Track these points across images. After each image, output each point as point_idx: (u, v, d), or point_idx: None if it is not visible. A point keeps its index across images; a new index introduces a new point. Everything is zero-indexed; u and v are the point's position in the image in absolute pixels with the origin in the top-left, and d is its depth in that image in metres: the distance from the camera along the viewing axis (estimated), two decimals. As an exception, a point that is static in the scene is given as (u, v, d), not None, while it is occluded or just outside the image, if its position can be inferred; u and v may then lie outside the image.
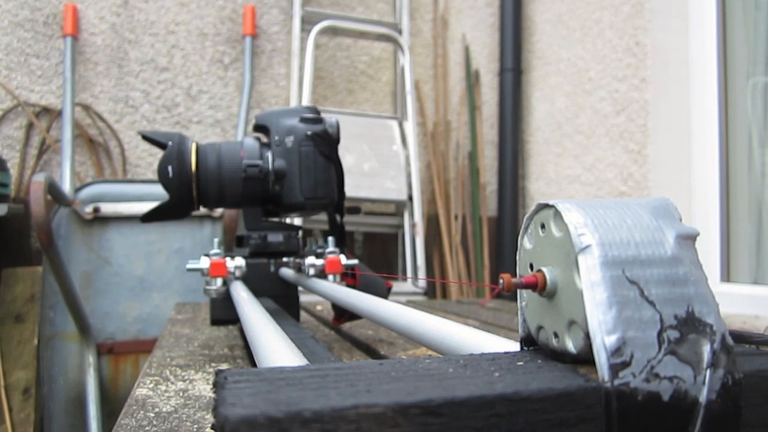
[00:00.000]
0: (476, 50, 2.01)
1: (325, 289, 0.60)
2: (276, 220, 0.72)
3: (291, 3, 1.83)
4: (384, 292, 0.69)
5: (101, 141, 1.69)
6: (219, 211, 1.43)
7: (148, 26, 1.74)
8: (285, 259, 0.72)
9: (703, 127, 1.33)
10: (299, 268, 0.71)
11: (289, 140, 0.65)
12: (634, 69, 1.46)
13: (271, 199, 0.66)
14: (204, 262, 0.62)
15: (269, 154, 0.65)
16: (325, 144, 0.66)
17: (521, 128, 1.93)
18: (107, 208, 1.39)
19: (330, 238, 0.68)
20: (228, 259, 0.63)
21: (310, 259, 0.66)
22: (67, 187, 1.46)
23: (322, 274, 0.66)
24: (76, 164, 1.63)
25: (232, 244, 1.32)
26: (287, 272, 0.75)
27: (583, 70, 1.64)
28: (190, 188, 0.63)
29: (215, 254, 0.63)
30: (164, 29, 1.76)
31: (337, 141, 0.67)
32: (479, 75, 2.00)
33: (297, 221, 1.54)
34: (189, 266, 0.62)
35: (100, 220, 1.39)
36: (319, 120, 0.66)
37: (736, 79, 1.31)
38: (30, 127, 1.63)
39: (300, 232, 0.72)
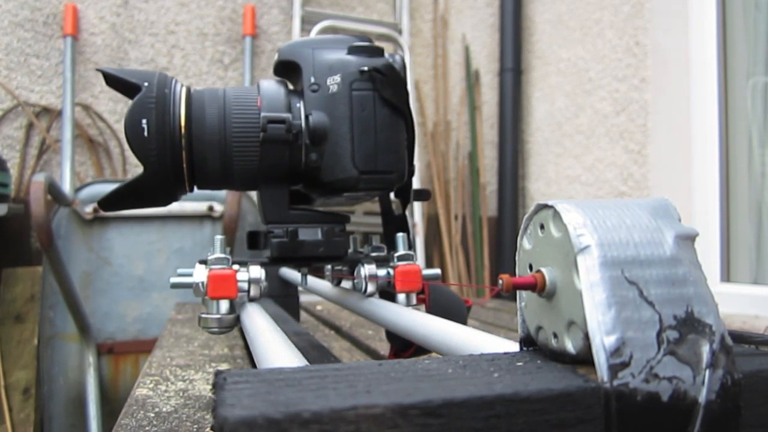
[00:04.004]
0: (476, 50, 2.01)
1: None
2: (319, 209, 0.48)
3: (291, 3, 1.83)
4: (464, 315, 0.48)
5: (101, 141, 1.69)
6: (219, 209, 1.43)
7: (148, 26, 1.74)
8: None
9: (703, 127, 1.33)
10: (339, 280, 0.52)
11: (334, 81, 0.43)
12: (634, 69, 1.46)
13: (305, 175, 0.44)
14: (199, 274, 0.40)
15: (300, 105, 0.43)
16: (389, 86, 0.43)
17: (521, 128, 1.93)
18: (107, 208, 1.38)
19: (400, 236, 0.46)
20: (238, 268, 0.41)
21: (369, 269, 0.45)
22: (67, 187, 1.46)
23: (385, 290, 0.46)
24: (76, 164, 1.63)
25: (232, 248, 1.30)
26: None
27: (583, 70, 1.64)
28: (178, 156, 0.42)
29: (217, 261, 0.40)
30: (164, 29, 1.76)
31: (406, 84, 0.45)
32: (479, 75, 2.00)
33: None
34: (174, 280, 0.40)
35: (100, 220, 1.39)
36: (377, 50, 0.44)
37: (736, 79, 1.31)
38: (30, 127, 1.63)
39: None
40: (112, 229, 1.40)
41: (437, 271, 0.47)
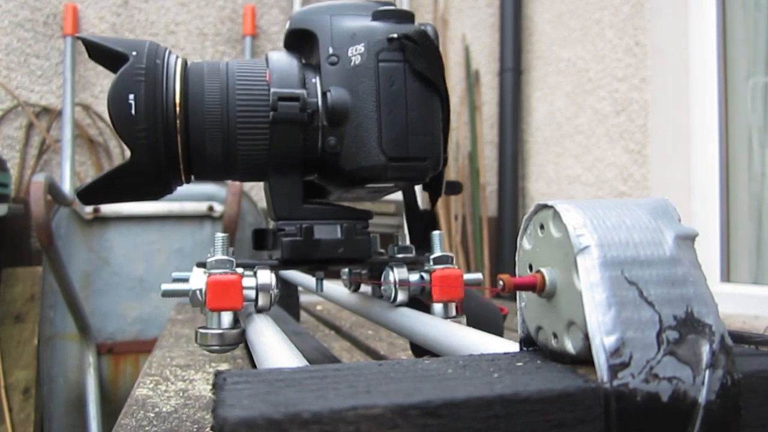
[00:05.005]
0: (476, 50, 2.01)
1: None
2: (340, 203, 0.42)
3: (291, 3, 1.83)
4: (501, 327, 0.43)
5: (101, 141, 1.69)
6: (219, 209, 1.42)
7: (148, 26, 1.74)
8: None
9: (703, 127, 1.33)
10: (357, 285, 0.46)
11: (356, 52, 0.37)
12: (634, 69, 1.46)
13: (321, 163, 0.38)
14: (196, 280, 0.34)
15: (317, 80, 0.37)
16: (422, 57, 0.37)
17: (521, 128, 1.93)
18: (107, 208, 1.39)
19: (436, 234, 0.39)
20: (242, 272, 0.35)
21: (400, 273, 0.38)
22: (67, 187, 1.46)
23: (415, 298, 0.39)
24: (76, 164, 1.63)
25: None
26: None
27: (583, 70, 1.64)
28: (172, 139, 0.36)
29: (219, 264, 0.34)
30: (164, 29, 1.76)
31: (440, 55, 0.39)
32: (479, 75, 2.00)
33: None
34: (167, 287, 0.34)
35: (100, 220, 1.39)
36: (407, 15, 0.38)
37: (736, 79, 1.31)
38: (30, 127, 1.63)
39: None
40: (112, 229, 1.40)
41: (478, 275, 0.40)
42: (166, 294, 0.34)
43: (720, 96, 1.31)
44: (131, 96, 0.34)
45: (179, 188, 0.39)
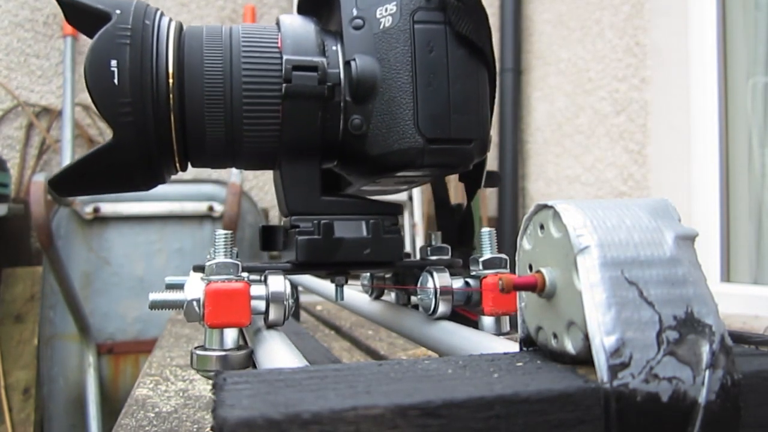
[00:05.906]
0: (476, 50, 2.01)
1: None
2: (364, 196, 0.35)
3: (291, 3, 1.83)
4: None
5: (101, 141, 1.69)
6: (219, 209, 1.42)
7: (148, 26, 1.74)
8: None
9: (703, 127, 1.33)
10: (380, 292, 0.40)
11: (387, 12, 0.31)
12: (634, 69, 1.46)
13: (343, 147, 0.32)
14: (192, 288, 0.27)
15: (338, 47, 0.31)
16: (467, 19, 0.31)
17: (521, 128, 1.93)
18: (107, 208, 1.39)
19: (486, 232, 0.33)
20: (246, 276, 0.28)
21: (442, 279, 0.32)
22: (67, 187, 1.46)
23: (457, 310, 0.33)
24: (76, 164, 1.63)
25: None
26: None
27: (583, 70, 1.64)
28: (164, 118, 0.29)
29: (221, 268, 0.27)
30: (164, 29, 1.76)
31: (488, 16, 0.32)
32: (479, 75, 2.00)
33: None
34: (156, 297, 0.28)
35: (100, 220, 1.39)
36: None
37: (736, 79, 1.31)
38: (30, 127, 1.63)
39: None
40: (112, 229, 1.40)
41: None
42: (155, 305, 0.27)
43: (720, 96, 1.31)
44: (113, 62, 0.28)
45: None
